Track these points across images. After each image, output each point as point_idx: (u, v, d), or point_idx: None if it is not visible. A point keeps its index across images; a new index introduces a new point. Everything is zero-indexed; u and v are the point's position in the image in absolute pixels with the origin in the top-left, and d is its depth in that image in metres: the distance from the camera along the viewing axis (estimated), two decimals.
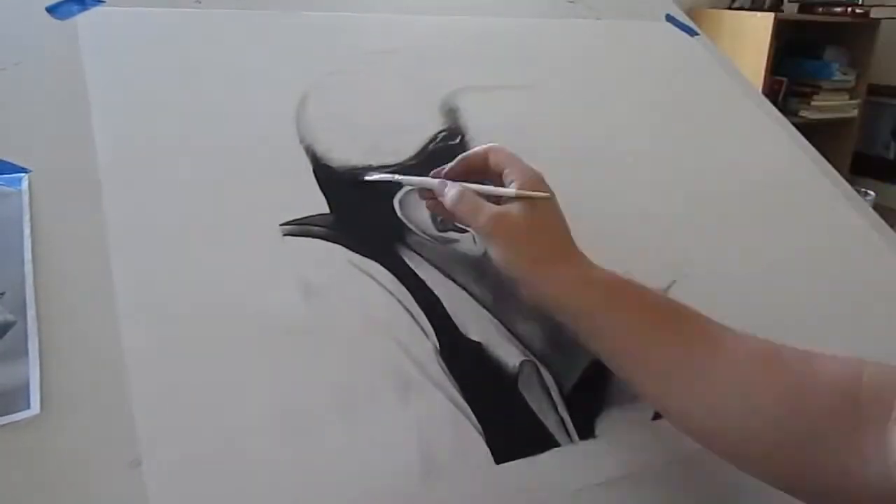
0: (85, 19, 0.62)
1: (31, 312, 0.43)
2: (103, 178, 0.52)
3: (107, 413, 0.41)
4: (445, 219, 0.57)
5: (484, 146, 0.54)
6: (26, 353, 0.41)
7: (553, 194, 0.51)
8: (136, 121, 0.56)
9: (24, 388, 0.40)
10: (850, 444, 0.39)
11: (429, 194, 0.55)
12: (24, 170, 0.50)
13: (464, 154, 0.54)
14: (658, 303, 0.49)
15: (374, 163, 0.60)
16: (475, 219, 0.50)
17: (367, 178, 0.58)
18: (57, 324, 0.44)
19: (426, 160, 0.62)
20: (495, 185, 0.52)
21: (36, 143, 0.52)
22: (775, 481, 0.44)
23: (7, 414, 0.39)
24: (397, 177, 0.57)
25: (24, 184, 0.49)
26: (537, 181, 0.51)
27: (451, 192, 0.52)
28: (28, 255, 0.45)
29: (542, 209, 0.50)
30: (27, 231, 0.47)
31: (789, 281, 0.65)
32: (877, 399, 0.40)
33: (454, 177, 0.54)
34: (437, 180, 0.54)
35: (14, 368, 0.40)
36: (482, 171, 0.53)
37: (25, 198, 0.48)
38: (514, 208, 0.49)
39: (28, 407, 0.39)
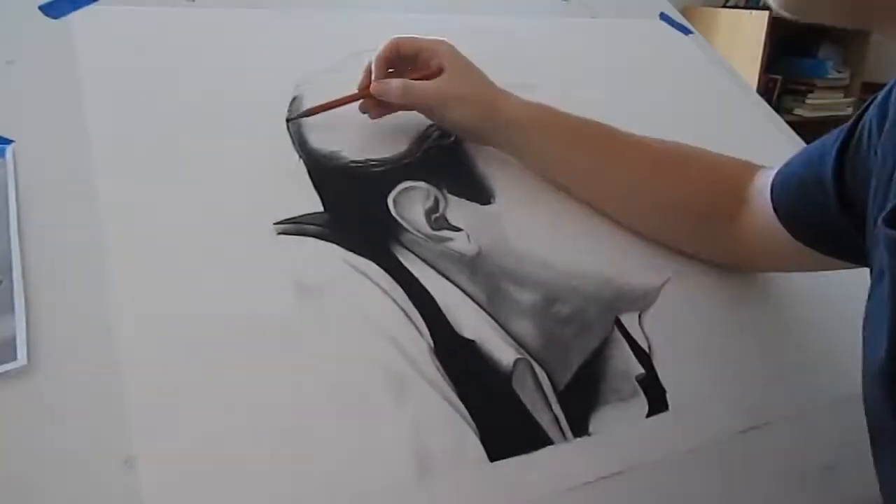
0: (78, 18, 0.62)
1: (16, 273, 0.45)
2: (97, 176, 0.52)
3: (90, 367, 0.43)
4: (437, 217, 0.58)
5: (387, 42, 0.61)
6: (13, 309, 0.43)
7: (459, 53, 0.62)
8: (129, 118, 0.56)
9: (11, 341, 0.42)
10: (710, 221, 0.60)
11: (368, 105, 0.62)
12: (8, 141, 0.52)
13: (377, 56, 0.61)
14: (579, 123, 0.62)
15: (368, 160, 0.60)
16: (425, 99, 0.60)
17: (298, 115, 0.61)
18: (43, 283, 0.46)
19: (421, 158, 0.62)
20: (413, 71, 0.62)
21: (29, 141, 0.52)
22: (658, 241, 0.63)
23: None
24: (336, 99, 0.61)
25: (9, 154, 0.51)
26: (447, 52, 0.61)
27: (394, 87, 0.60)
28: (14, 220, 0.48)
29: (462, 67, 0.62)
30: (12, 198, 0.49)
31: (781, 277, 0.65)
32: (732, 186, 0.60)
33: (378, 79, 0.61)
34: (375, 85, 0.60)
35: (1, 323, 0.43)
36: (399, 61, 0.62)
37: (10, 167, 0.50)
38: (448, 78, 0.60)
39: (15, 358, 0.42)
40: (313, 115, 0.60)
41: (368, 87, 0.61)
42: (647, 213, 0.62)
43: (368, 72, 0.62)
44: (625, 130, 0.62)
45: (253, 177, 0.56)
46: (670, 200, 0.60)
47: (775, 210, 0.54)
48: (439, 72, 0.60)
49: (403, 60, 0.62)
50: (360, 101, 0.62)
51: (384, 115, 0.62)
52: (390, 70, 0.62)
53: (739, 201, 0.59)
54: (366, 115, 0.62)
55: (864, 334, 0.40)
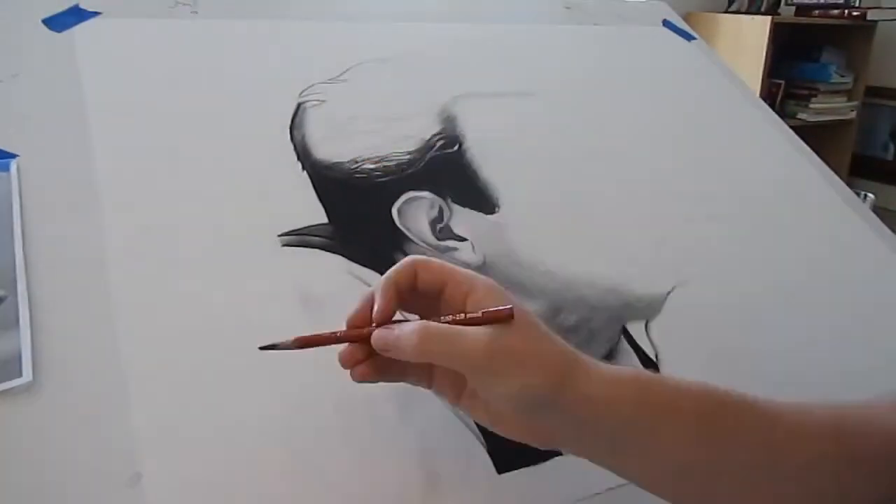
0: (81, 31, 0.62)
1: (21, 288, 0.45)
2: (100, 188, 0.51)
3: (95, 383, 0.43)
4: (442, 234, 0.57)
5: (403, 262, 0.41)
6: (17, 325, 0.43)
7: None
8: (132, 131, 0.56)
9: (16, 358, 0.42)
10: None
11: (350, 358, 0.41)
12: (12, 155, 0.52)
13: (384, 280, 0.41)
14: (706, 401, 0.40)
15: (372, 171, 0.60)
16: (460, 351, 0.37)
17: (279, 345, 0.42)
18: (47, 299, 0.45)
19: (425, 168, 0.62)
20: (427, 312, 0.41)
21: (34, 154, 0.52)
22: None
23: (1, 382, 0.41)
24: (322, 334, 0.42)
25: (13, 168, 0.51)
26: (499, 291, 0.40)
27: (406, 337, 0.38)
28: (18, 235, 0.47)
29: (529, 318, 0.39)
30: (17, 211, 0.49)
31: (788, 284, 0.65)
32: None
33: (383, 318, 0.40)
34: (378, 334, 0.39)
35: (6, 340, 0.43)
36: (408, 297, 0.41)
37: (14, 181, 0.50)
38: (504, 328, 0.38)
39: (20, 375, 0.41)
40: (300, 347, 0.42)
41: (363, 326, 0.40)
42: None
43: (368, 303, 0.41)
44: (757, 404, 0.40)
45: (257, 189, 0.56)
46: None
47: None
48: (482, 321, 0.38)
49: (421, 296, 0.41)
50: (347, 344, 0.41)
51: (376, 372, 0.41)
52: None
53: None
54: (365, 124, 0.62)
55: None
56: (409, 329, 0.38)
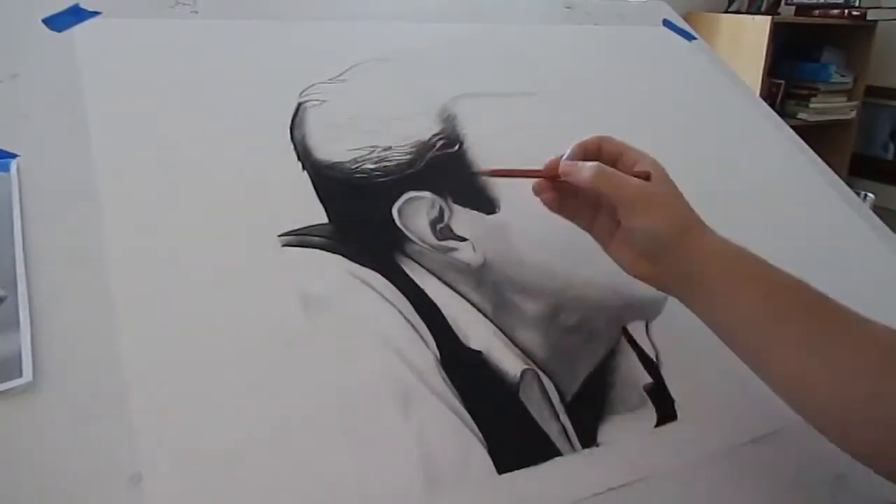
0: (81, 30, 0.62)
1: (21, 288, 0.45)
2: (100, 188, 0.51)
3: (95, 383, 0.43)
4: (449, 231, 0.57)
5: (594, 136, 0.55)
6: (18, 326, 0.43)
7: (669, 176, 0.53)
8: (132, 131, 0.56)
9: (17, 358, 0.42)
10: None
11: (544, 187, 0.55)
12: (12, 155, 0.52)
13: (577, 143, 0.54)
14: (784, 281, 0.49)
15: (373, 171, 0.60)
16: (620, 189, 0.50)
17: (481, 172, 0.60)
18: (47, 299, 0.45)
19: (425, 168, 0.62)
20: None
21: (34, 154, 0.52)
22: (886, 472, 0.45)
23: (1, 382, 0.41)
24: (519, 168, 0.56)
25: (13, 168, 0.51)
26: (657, 164, 0.53)
27: (585, 168, 0.52)
28: (18, 235, 0.47)
29: (671, 185, 0.52)
30: (17, 212, 0.49)
31: None
32: None
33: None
34: (564, 164, 0.53)
35: (6, 340, 0.43)
36: (596, 159, 0.53)
37: (14, 181, 0.50)
38: (655, 182, 0.52)
39: (20, 375, 0.41)
40: (495, 176, 0.60)
41: (556, 167, 0.54)
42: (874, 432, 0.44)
43: (558, 158, 0.54)
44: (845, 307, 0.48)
45: (257, 188, 0.56)
46: None
47: None
48: (644, 178, 0.52)
49: (602, 159, 0.54)
50: (538, 179, 0.55)
51: (557, 204, 0.55)
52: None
53: None
54: (365, 124, 0.62)
55: None
56: (588, 164, 0.52)
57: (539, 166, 0.55)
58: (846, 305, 0.48)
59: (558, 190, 0.54)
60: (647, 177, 0.52)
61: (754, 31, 2.76)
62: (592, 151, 0.54)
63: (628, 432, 0.51)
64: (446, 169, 0.62)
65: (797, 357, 0.46)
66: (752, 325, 0.48)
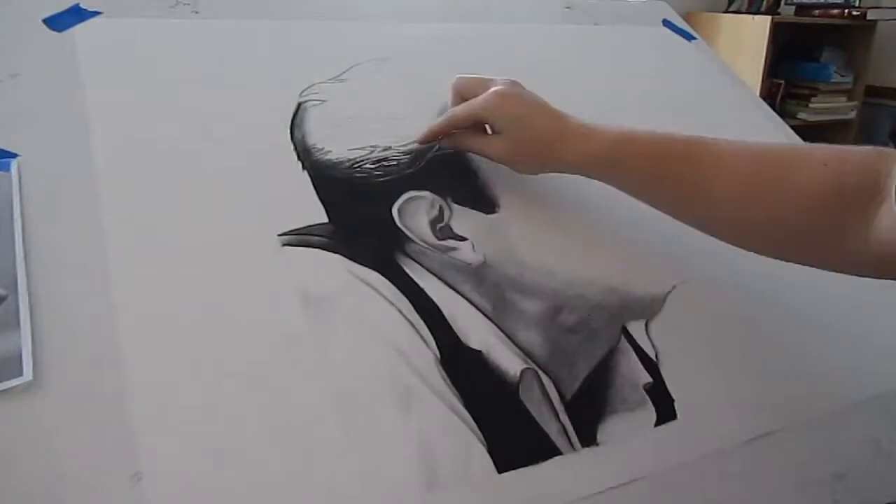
0: (82, 30, 0.62)
1: (21, 288, 0.45)
2: (101, 188, 0.51)
3: (96, 382, 0.43)
4: (443, 228, 0.57)
5: (451, 82, 0.63)
6: (18, 325, 0.43)
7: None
8: (133, 131, 0.56)
9: (17, 357, 0.42)
10: (836, 231, 0.49)
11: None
12: (12, 155, 0.52)
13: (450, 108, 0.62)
14: (663, 144, 0.56)
15: (373, 171, 0.60)
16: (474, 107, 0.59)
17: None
18: (48, 298, 0.45)
19: (425, 168, 0.62)
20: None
21: (34, 154, 0.52)
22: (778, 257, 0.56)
23: (2, 381, 0.41)
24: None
25: (14, 167, 0.51)
26: (510, 81, 0.60)
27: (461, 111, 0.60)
28: (18, 235, 0.47)
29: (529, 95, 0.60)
30: (17, 212, 0.49)
31: (788, 282, 0.65)
32: (858, 187, 0.48)
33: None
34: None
35: (7, 339, 0.43)
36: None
37: (15, 181, 0.50)
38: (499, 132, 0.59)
39: (21, 374, 0.42)
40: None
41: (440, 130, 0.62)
42: (757, 232, 0.54)
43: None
44: (720, 140, 0.55)
45: (257, 188, 0.56)
46: (781, 213, 0.52)
47: None
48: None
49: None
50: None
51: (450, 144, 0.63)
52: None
53: (876, 198, 0.47)
54: (365, 124, 0.62)
55: None
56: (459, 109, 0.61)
57: None
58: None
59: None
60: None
61: (754, 31, 2.75)
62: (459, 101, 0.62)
63: (628, 432, 0.51)
64: (446, 169, 0.62)
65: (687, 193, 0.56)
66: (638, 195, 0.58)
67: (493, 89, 0.59)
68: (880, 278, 0.51)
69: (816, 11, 2.98)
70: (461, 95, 0.62)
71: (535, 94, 0.60)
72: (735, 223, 0.55)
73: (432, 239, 0.57)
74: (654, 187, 0.57)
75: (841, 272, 0.53)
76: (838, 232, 0.49)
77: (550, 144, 0.58)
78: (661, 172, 0.56)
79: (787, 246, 0.54)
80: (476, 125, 0.61)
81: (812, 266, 0.54)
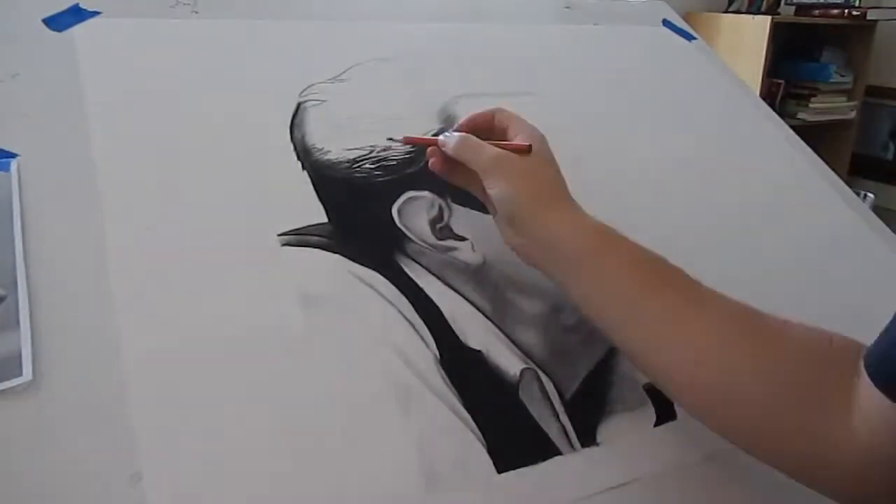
0: (82, 30, 0.62)
1: (21, 288, 0.45)
2: (101, 188, 0.51)
3: (96, 382, 0.43)
4: (442, 226, 0.57)
5: (491, 108, 0.56)
6: (18, 325, 0.43)
7: (549, 149, 0.54)
8: (132, 131, 0.56)
9: (17, 357, 0.42)
10: (822, 403, 0.42)
11: (434, 152, 0.56)
12: (12, 155, 0.52)
13: (472, 114, 0.56)
14: (647, 257, 0.49)
15: (372, 171, 0.60)
16: (478, 157, 0.52)
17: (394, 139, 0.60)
18: (48, 298, 0.45)
19: (425, 168, 0.61)
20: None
21: (34, 154, 0.52)
22: (751, 446, 0.46)
23: (2, 381, 0.41)
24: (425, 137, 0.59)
25: (13, 168, 0.51)
26: (538, 137, 0.53)
27: (453, 138, 0.54)
28: (18, 235, 0.47)
29: (540, 157, 0.53)
30: (17, 212, 0.48)
31: (788, 283, 0.65)
32: (843, 359, 0.43)
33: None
34: (443, 136, 0.55)
35: (6, 339, 0.43)
36: (488, 131, 0.55)
37: (15, 181, 0.50)
38: (514, 154, 0.52)
39: (21, 374, 0.42)
40: (406, 143, 0.61)
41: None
42: (722, 398, 0.45)
43: (463, 122, 0.57)
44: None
45: (256, 188, 0.56)
46: (760, 381, 0.44)
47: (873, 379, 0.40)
48: (507, 147, 0.53)
49: (494, 130, 0.56)
50: (432, 147, 0.57)
51: (443, 169, 0.56)
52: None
53: (850, 385, 0.41)
54: (365, 124, 0.62)
55: None
56: (456, 135, 0.54)
57: None
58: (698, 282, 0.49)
59: (443, 159, 0.56)
60: (527, 149, 0.52)
61: (754, 31, 2.76)
62: (485, 122, 0.56)
63: (627, 432, 0.52)
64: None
65: (657, 330, 0.47)
66: (616, 297, 0.48)
67: (495, 158, 0.52)
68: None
69: (816, 11, 2.98)
70: (475, 124, 0.56)
71: (545, 167, 0.53)
72: (710, 368, 0.45)
73: (432, 239, 0.57)
74: (634, 292, 0.48)
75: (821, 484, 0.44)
76: (824, 401, 0.42)
77: (552, 200, 0.52)
78: (646, 278, 0.48)
79: (766, 414, 0.44)
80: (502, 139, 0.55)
81: (790, 461, 0.45)
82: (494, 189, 0.51)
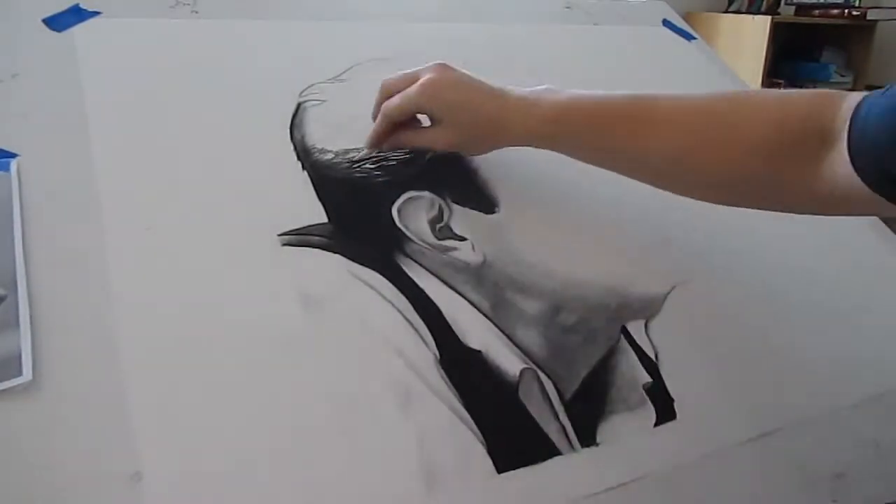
0: (82, 30, 0.62)
1: (21, 288, 0.45)
2: (101, 188, 0.51)
3: (96, 382, 0.43)
4: (441, 227, 0.57)
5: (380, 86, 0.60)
6: (17, 324, 0.43)
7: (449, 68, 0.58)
8: (133, 131, 0.56)
9: (16, 357, 0.42)
10: (778, 178, 0.50)
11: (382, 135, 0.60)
12: (12, 155, 0.52)
13: (377, 99, 0.60)
14: (605, 106, 0.56)
15: (372, 171, 0.60)
16: (411, 99, 0.57)
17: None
18: (47, 298, 0.45)
19: (425, 168, 0.62)
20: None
21: (34, 154, 0.52)
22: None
23: (1, 381, 0.41)
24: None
25: (13, 167, 0.51)
26: (430, 68, 0.58)
27: (390, 104, 0.58)
28: (18, 235, 0.47)
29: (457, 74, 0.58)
30: (17, 211, 0.49)
31: (788, 283, 0.65)
32: (802, 133, 0.49)
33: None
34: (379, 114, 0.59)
35: (6, 339, 0.43)
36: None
37: (15, 181, 0.50)
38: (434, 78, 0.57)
39: (20, 374, 0.42)
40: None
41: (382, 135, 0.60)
42: (700, 183, 0.55)
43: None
44: (661, 96, 0.55)
45: (257, 188, 0.56)
46: (722, 166, 0.52)
47: (849, 148, 0.45)
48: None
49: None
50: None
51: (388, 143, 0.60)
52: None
53: (824, 143, 0.48)
54: (365, 124, 0.62)
55: None
56: (391, 103, 0.58)
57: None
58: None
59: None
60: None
61: (754, 31, 2.76)
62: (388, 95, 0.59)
63: (627, 431, 0.52)
64: (446, 168, 0.62)
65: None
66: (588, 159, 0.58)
67: (422, 80, 0.57)
68: (826, 215, 0.54)
69: (816, 11, 2.99)
70: (390, 95, 0.60)
71: (467, 75, 0.58)
72: (676, 176, 0.55)
73: (432, 239, 0.57)
74: (596, 150, 0.57)
75: (787, 212, 0.55)
76: (781, 179, 0.50)
77: (493, 123, 0.57)
78: (601, 134, 0.56)
79: (731, 194, 0.55)
80: (412, 119, 0.60)
81: (756, 209, 0.56)
82: (449, 130, 0.57)
